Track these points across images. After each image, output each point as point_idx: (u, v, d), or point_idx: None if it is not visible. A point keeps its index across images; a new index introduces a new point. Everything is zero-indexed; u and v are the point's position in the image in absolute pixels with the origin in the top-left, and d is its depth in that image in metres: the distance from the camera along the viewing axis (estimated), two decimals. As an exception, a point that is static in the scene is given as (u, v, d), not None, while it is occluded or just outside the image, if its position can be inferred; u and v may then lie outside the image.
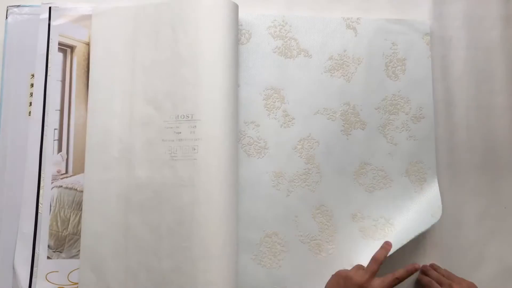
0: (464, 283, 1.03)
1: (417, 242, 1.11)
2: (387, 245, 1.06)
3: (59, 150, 1.08)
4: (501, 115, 1.17)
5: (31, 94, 1.10)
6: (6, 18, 1.13)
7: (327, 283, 1.04)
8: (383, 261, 1.03)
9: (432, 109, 1.14)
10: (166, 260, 1.01)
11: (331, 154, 1.12)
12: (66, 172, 1.08)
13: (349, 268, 1.06)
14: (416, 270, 1.04)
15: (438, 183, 1.13)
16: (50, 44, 1.10)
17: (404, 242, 1.06)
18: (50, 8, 1.11)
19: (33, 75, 1.10)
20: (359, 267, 1.05)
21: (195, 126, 1.02)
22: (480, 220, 1.14)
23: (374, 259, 1.03)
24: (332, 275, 1.05)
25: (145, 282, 1.02)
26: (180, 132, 1.03)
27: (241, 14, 1.11)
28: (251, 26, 1.13)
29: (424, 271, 1.10)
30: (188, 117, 1.02)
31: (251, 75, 1.12)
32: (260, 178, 1.10)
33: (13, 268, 1.05)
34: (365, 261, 1.05)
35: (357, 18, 1.15)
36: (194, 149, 1.01)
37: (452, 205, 1.14)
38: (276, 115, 1.11)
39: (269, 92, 1.12)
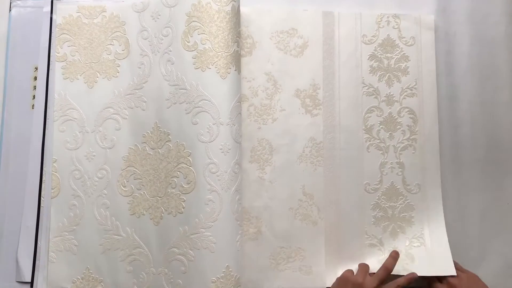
0: (463, 276, 1.03)
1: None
2: (395, 254, 1.06)
3: (62, 144, 1.09)
4: (505, 111, 1.16)
5: (35, 87, 1.10)
6: (10, 10, 1.13)
7: (333, 285, 1.05)
8: (392, 270, 1.04)
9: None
10: None
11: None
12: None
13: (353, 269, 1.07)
14: (414, 279, 1.03)
15: (441, 179, 1.12)
16: (52, 37, 1.10)
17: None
18: (52, 1, 1.11)
19: (36, 68, 1.10)
20: (363, 270, 1.05)
21: None
22: (483, 216, 1.13)
23: (384, 267, 1.03)
24: (338, 279, 1.05)
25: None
26: None
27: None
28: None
29: None
30: None
31: None
32: None
33: (17, 260, 1.06)
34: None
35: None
36: None
37: (455, 201, 1.13)
38: None
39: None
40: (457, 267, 1.06)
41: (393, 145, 1.13)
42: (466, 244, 1.12)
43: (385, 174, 1.12)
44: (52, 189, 1.06)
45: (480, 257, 1.12)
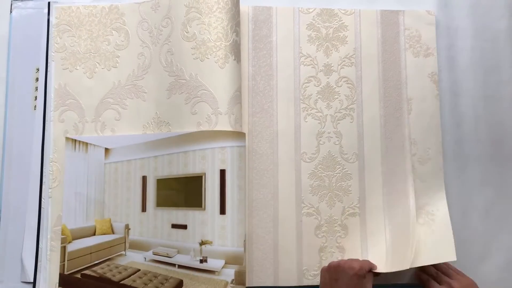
0: (463, 280, 1.01)
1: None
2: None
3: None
4: (508, 105, 1.16)
5: (36, 88, 1.10)
6: (11, 12, 1.13)
7: (320, 279, 1.03)
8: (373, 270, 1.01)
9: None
10: None
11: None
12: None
13: None
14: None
15: (445, 175, 1.12)
16: (50, 40, 1.11)
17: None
18: (49, 3, 1.12)
19: (38, 69, 1.11)
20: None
21: None
22: (487, 211, 1.13)
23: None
24: (322, 270, 1.03)
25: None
26: None
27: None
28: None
29: (422, 268, 1.07)
30: None
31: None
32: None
33: (21, 260, 1.06)
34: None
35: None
36: None
37: (459, 196, 1.12)
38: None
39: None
40: (455, 270, 1.05)
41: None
42: (470, 239, 1.11)
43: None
44: (53, 179, 1.06)
45: (484, 253, 1.12)
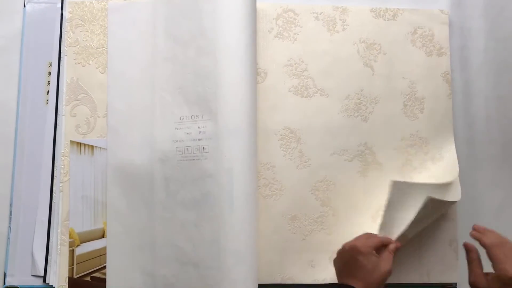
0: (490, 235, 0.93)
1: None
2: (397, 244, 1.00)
3: (74, 141, 1.10)
4: (521, 106, 1.15)
5: (49, 83, 1.11)
6: (24, 6, 1.14)
7: (334, 259, 0.99)
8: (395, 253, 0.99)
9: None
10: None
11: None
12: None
13: None
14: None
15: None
16: (63, 34, 1.11)
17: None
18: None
19: (50, 64, 1.11)
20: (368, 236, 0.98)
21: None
22: (498, 212, 1.13)
23: (388, 250, 0.97)
24: (338, 251, 0.99)
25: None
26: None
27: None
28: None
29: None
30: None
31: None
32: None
33: (32, 254, 1.06)
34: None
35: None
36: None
37: (470, 197, 1.12)
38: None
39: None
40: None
41: None
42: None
43: None
44: (64, 173, 1.07)
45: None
